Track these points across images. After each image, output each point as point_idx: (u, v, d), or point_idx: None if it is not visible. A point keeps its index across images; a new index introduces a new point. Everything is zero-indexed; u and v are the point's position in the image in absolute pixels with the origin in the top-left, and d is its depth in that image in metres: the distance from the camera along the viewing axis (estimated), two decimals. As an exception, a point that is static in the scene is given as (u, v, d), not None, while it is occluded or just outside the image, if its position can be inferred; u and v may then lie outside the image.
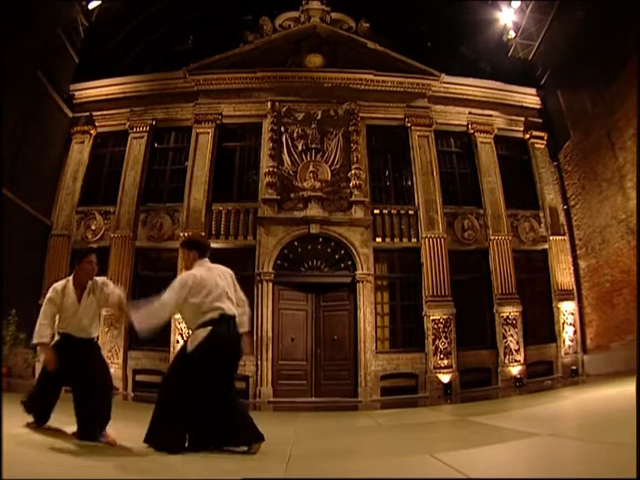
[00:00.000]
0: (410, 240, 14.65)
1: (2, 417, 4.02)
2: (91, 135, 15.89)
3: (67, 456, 4.06)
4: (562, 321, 14.61)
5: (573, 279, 15.03)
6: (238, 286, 5.05)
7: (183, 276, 4.71)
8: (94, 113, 15.95)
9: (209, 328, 4.47)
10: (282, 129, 15.21)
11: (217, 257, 14.85)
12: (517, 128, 16.46)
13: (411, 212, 14.89)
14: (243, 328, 4.89)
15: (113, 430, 4.89)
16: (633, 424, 3.38)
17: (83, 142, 15.80)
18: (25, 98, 13.53)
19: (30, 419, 5.13)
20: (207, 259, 4.99)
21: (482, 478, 3.06)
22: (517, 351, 13.93)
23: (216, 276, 4.79)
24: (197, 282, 4.58)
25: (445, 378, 13.15)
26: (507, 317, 14.16)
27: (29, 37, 13.16)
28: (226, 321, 4.59)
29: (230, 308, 4.68)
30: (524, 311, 14.32)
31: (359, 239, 14.23)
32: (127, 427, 5.58)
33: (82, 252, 5.86)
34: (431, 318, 13.77)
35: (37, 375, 5.70)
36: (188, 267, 4.92)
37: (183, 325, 13.26)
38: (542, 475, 2.92)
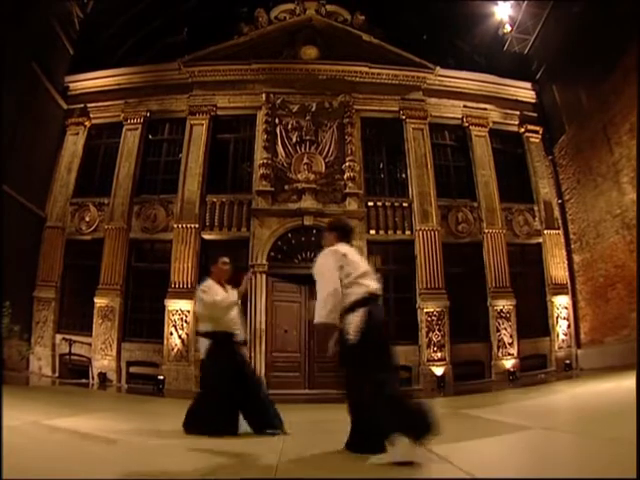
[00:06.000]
0: (404, 233, 14.66)
1: (2, 412, 3.93)
2: (85, 127, 15.83)
3: (67, 448, 4.06)
4: (556, 315, 14.67)
5: (567, 273, 15.07)
6: None
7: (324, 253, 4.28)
8: (88, 105, 15.86)
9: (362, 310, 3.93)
10: (276, 121, 15.17)
11: (211, 248, 14.87)
12: (512, 122, 16.44)
13: (405, 204, 14.89)
14: None
15: (108, 423, 4.86)
16: (626, 418, 3.39)
17: (77, 134, 15.74)
18: (20, 90, 13.39)
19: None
20: (347, 244, 4.44)
21: (484, 477, 3.05)
22: (511, 344, 13.99)
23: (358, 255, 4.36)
24: (339, 256, 4.12)
25: (438, 371, 13.18)
26: (501, 310, 14.21)
27: (24, 29, 13.04)
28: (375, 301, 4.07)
29: (379, 287, 4.16)
30: (518, 304, 14.37)
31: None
32: (124, 421, 5.58)
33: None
34: (425, 311, 13.82)
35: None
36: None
37: (176, 317, 13.26)
38: (535, 468, 2.93)
